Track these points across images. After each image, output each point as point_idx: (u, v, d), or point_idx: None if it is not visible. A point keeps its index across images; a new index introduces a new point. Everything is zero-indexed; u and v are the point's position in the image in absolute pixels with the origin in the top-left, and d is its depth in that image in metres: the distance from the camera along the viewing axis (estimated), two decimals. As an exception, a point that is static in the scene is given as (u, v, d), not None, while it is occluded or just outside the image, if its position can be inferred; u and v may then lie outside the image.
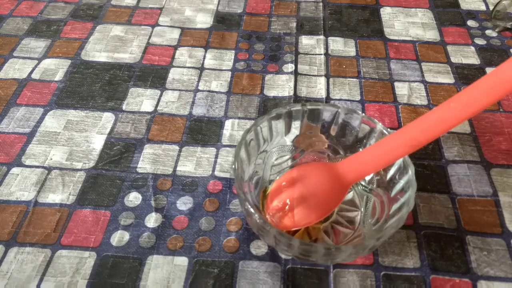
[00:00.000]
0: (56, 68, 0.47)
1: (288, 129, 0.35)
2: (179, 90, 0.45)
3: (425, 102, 0.44)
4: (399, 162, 0.31)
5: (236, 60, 0.48)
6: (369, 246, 0.27)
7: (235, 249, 0.33)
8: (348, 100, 0.44)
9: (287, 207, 0.30)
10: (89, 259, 0.32)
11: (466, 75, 0.47)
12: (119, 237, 0.33)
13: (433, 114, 0.26)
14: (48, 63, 0.47)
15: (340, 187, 0.30)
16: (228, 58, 0.49)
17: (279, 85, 0.45)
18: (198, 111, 0.43)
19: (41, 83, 0.45)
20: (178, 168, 0.38)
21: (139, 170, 0.37)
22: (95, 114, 0.42)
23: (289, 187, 0.31)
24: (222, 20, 0.54)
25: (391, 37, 0.52)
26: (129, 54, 0.49)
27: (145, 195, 0.36)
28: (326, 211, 0.31)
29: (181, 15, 0.55)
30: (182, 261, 0.32)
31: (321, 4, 0.57)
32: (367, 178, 0.34)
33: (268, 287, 0.31)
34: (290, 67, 0.48)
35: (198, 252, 0.32)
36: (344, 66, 0.48)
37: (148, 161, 0.38)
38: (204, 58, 0.49)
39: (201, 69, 0.47)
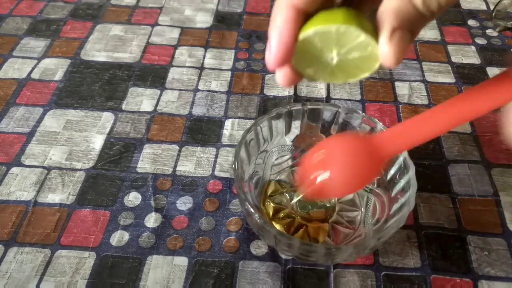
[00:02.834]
0: (55, 68, 0.47)
1: (288, 129, 0.35)
2: (179, 89, 0.45)
3: (425, 102, 0.44)
4: (399, 161, 0.31)
5: (236, 60, 0.48)
6: (369, 246, 0.27)
7: (235, 249, 0.32)
8: (348, 99, 0.44)
9: (318, 178, 0.27)
10: (89, 259, 0.32)
11: (466, 75, 0.47)
12: (119, 237, 0.33)
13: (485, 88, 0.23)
14: (47, 62, 0.47)
15: (376, 160, 0.27)
16: (228, 58, 0.48)
17: (279, 85, 0.45)
18: (198, 110, 0.43)
19: (41, 83, 0.45)
20: (178, 168, 0.38)
21: (138, 170, 0.37)
22: (95, 114, 0.42)
23: (323, 157, 0.28)
24: (222, 20, 0.54)
25: (392, 37, 0.52)
26: (129, 54, 0.49)
27: (145, 195, 0.36)
28: (359, 185, 0.28)
29: (181, 14, 0.55)
30: (182, 261, 0.32)
31: (321, 3, 0.57)
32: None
33: (268, 287, 0.31)
34: (290, 66, 0.47)
35: (198, 252, 0.32)
36: (344, 66, 0.47)
37: (147, 161, 0.38)
38: (204, 57, 0.48)
39: (201, 68, 0.47)
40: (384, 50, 0.18)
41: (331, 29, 0.17)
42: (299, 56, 0.19)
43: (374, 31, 0.18)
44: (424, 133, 0.26)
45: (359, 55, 0.18)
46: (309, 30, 0.17)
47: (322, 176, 0.27)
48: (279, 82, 0.22)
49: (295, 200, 0.34)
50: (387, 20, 0.18)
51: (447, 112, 0.25)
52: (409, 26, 0.18)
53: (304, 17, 0.19)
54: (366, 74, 0.20)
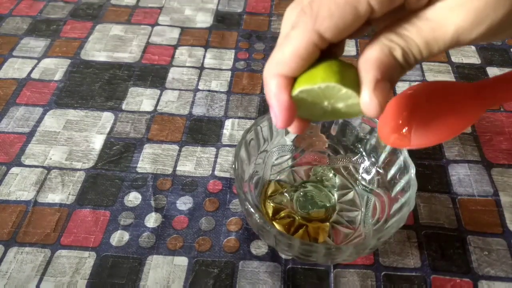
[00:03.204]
0: (55, 68, 0.47)
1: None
2: (179, 89, 0.45)
3: (425, 102, 0.44)
4: (399, 162, 0.31)
5: (236, 60, 0.48)
6: (369, 246, 0.27)
7: (235, 249, 0.32)
8: (348, 99, 0.44)
9: (406, 126, 0.25)
10: (89, 259, 0.32)
11: (466, 75, 0.47)
12: (119, 237, 0.33)
13: None
14: (47, 62, 0.47)
15: (472, 108, 0.25)
16: (228, 58, 0.48)
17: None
18: (198, 110, 0.43)
19: (41, 83, 0.45)
20: (178, 168, 0.38)
21: (138, 170, 0.37)
22: (95, 114, 0.42)
23: (412, 101, 0.26)
24: (222, 20, 0.54)
25: (392, 37, 0.52)
26: (129, 54, 0.49)
27: (145, 195, 0.36)
28: (450, 134, 0.26)
29: (181, 14, 0.55)
30: (182, 261, 0.32)
31: (321, 3, 0.57)
32: (368, 178, 0.34)
33: (268, 287, 0.31)
34: (290, 66, 0.47)
35: (198, 252, 0.32)
36: (344, 66, 0.47)
37: (147, 161, 0.38)
38: (204, 57, 0.48)
39: (201, 68, 0.47)
40: (367, 102, 0.19)
41: (314, 87, 0.18)
42: (299, 108, 0.20)
43: (356, 80, 0.19)
44: None
45: (344, 104, 0.19)
46: (296, 90, 0.19)
47: (411, 121, 0.25)
48: (291, 132, 0.23)
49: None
50: (370, 72, 0.19)
51: None
52: (389, 77, 0.19)
53: (294, 78, 0.20)
54: (357, 116, 0.22)
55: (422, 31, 0.19)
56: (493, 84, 0.25)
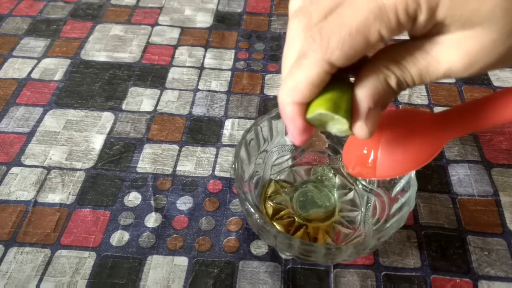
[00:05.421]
0: (55, 68, 0.47)
1: (288, 129, 0.35)
2: (179, 89, 0.45)
3: (425, 102, 0.44)
4: (399, 161, 0.31)
5: (236, 60, 0.48)
6: (369, 246, 0.27)
7: (235, 249, 0.32)
8: (348, 99, 0.44)
9: (371, 157, 0.26)
10: (89, 259, 0.32)
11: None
12: (119, 237, 0.33)
13: None
14: (47, 62, 0.47)
15: (435, 140, 0.25)
16: (228, 58, 0.48)
17: (280, 85, 0.45)
18: (198, 110, 0.43)
19: (41, 83, 0.45)
20: (178, 168, 0.38)
21: (138, 170, 0.37)
22: (95, 114, 0.42)
23: (380, 130, 0.26)
24: (222, 20, 0.54)
25: (392, 37, 0.52)
26: (129, 54, 0.49)
27: (145, 195, 0.36)
28: (414, 166, 0.26)
29: (181, 14, 0.55)
30: (182, 261, 0.32)
31: (321, 3, 0.57)
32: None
33: (269, 287, 0.31)
34: (290, 66, 0.47)
35: (198, 252, 0.32)
36: (344, 66, 0.47)
37: (148, 160, 0.38)
38: (204, 57, 0.48)
39: (201, 68, 0.47)
40: (358, 129, 0.20)
41: (315, 114, 0.20)
42: (313, 124, 0.22)
43: (349, 106, 0.20)
44: (493, 116, 0.23)
45: (340, 127, 0.21)
46: (310, 115, 0.20)
47: (376, 152, 0.25)
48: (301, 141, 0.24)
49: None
50: (364, 101, 0.20)
51: None
52: (381, 103, 0.20)
53: (308, 103, 0.21)
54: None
55: (418, 63, 0.19)
56: (453, 115, 0.25)
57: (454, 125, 0.25)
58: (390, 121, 0.26)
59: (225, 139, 0.40)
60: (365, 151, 0.26)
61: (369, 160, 0.26)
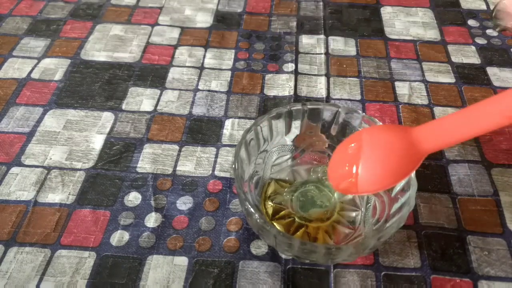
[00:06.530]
0: (55, 68, 0.47)
1: (288, 129, 0.35)
2: (179, 89, 0.45)
3: (425, 102, 0.44)
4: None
5: (236, 60, 0.48)
6: (369, 246, 0.27)
7: (235, 249, 0.32)
8: (348, 99, 0.44)
9: (353, 172, 0.27)
10: (89, 259, 0.32)
11: (466, 75, 0.47)
12: (119, 237, 0.33)
13: None
14: (47, 62, 0.47)
15: (414, 155, 0.26)
16: (228, 58, 0.48)
17: (279, 85, 0.45)
18: (198, 110, 0.43)
19: (41, 83, 0.45)
20: (178, 168, 0.38)
21: (138, 170, 0.37)
22: (95, 114, 0.42)
23: (356, 149, 0.27)
24: (222, 19, 0.54)
25: (392, 37, 0.52)
26: (129, 54, 0.49)
27: (145, 195, 0.36)
28: (394, 180, 0.27)
29: (181, 14, 0.55)
30: (182, 261, 0.32)
31: (321, 3, 0.57)
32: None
33: (269, 287, 0.31)
34: (290, 66, 0.47)
35: (198, 252, 0.32)
36: (344, 66, 0.48)
37: (148, 160, 0.38)
38: (204, 57, 0.48)
39: (201, 68, 0.47)
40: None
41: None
42: None
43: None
44: (470, 129, 0.24)
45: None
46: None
47: (357, 168, 0.26)
48: None
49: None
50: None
51: (493, 107, 0.23)
52: None
53: None
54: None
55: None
56: (432, 128, 0.26)
57: (433, 138, 0.26)
58: (371, 137, 0.27)
59: (225, 139, 0.40)
60: (347, 168, 0.27)
61: (351, 179, 0.27)
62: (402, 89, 0.45)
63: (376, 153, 0.26)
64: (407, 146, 0.26)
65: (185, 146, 0.39)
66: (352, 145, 0.28)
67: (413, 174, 0.29)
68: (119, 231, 0.33)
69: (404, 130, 0.27)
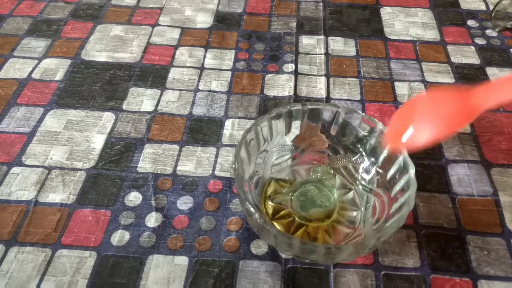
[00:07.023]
0: (56, 68, 0.47)
1: (288, 129, 0.35)
2: (179, 89, 0.45)
3: (425, 102, 0.44)
4: (399, 161, 0.31)
5: (236, 60, 0.48)
6: (369, 245, 0.27)
7: (236, 248, 0.33)
8: (348, 99, 0.44)
9: (412, 125, 0.29)
10: (90, 259, 0.32)
11: (466, 75, 0.47)
12: (120, 237, 0.33)
13: None
14: (48, 62, 0.47)
15: (469, 108, 0.28)
16: (228, 58, 0.49)
17: (279, 85, 0.45)
18: (198, 110, 0.43)
19: (41, 83, 0.45)
20: (178, 168, 0.38)
21: (139, 170, 0.37)
22: (95, 114, 0.42)
23: (416, 107, 0.30)
24: (222, 20, 0.54)
25: (391, 37, 0.52)
26: (129, 54, 0.49)
27: (146, 195, 0.36)
28: (451, 128, 0.30)
29: (181, 14, 0.55)
30: (183, 261, 0.32)
31: (321, 4, 0.57)
32: (367, 177, 0.34)
33: (269, 287, 0.31)
34: (290, 66, 0.48)
35: (199, 252, 0.32)
36: (344, 66, 0.48)
37: (148, 160, 0.38)
38: (204, 57, 0.49)
39: (201, 68, 0.47)
40: None
41: None
42: None
43: None
44: None
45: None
46: None
47: (415, 123, 0.29)
48: None
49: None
50: None
51: None
52: None
53: None
54: None
55: None
56: (487, 88, 0.28)
57: (487, 95, 0.28)
58: (429, 98, 0.30)
59: (225, 139, 0.40)
60: (406, 121, 0.29)
61: (411, 128, 0.29)
62: (401, 89, 0.45)
63: (432, 108, 0.29)
64: (461, 102, 0.29)
65: (186, 146, 0.39)
66: (412, 104, 0.31)
67: (412, 174, 0.29)
68: (119, 230, 0.33)
69: (459, 89, 0.30)
